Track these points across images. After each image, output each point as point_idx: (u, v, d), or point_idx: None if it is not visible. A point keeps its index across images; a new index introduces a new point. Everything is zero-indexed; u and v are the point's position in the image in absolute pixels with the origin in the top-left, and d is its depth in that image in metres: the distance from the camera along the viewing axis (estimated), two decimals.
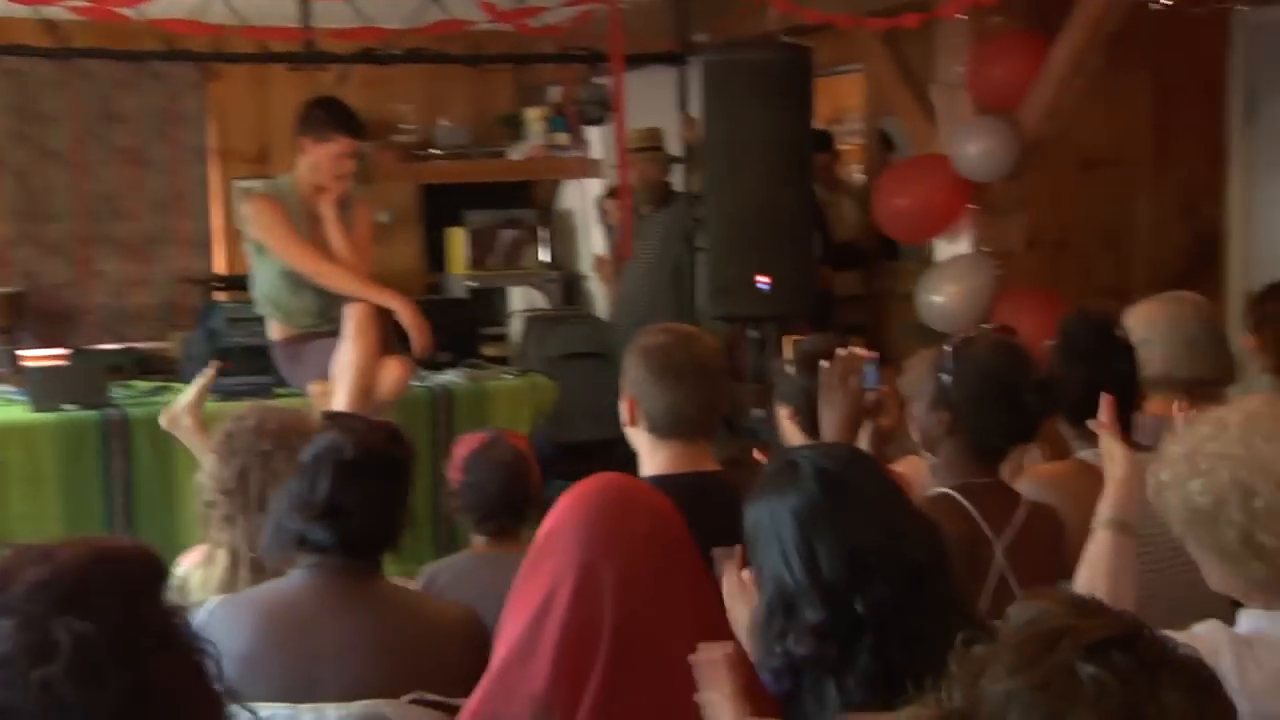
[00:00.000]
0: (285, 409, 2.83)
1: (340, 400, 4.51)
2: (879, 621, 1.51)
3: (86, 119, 7.01)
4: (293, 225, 4.79)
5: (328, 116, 4.73)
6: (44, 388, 5.28)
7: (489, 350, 6.66)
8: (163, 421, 4.06)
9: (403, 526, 2.18)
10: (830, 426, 2.61)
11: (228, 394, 5.41)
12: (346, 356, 4.66)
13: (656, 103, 6.28)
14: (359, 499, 2.12)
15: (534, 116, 7.41)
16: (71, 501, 5.17)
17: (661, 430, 2.34)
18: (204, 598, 2.71)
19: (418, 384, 5.33)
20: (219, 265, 7.25)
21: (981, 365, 2.57)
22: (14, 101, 6.89)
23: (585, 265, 7.59)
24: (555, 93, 7.54)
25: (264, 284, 5.05)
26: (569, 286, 7.63)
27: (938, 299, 4.94)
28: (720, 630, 1.61)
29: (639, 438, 2.39)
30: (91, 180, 7.05)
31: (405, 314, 4.80)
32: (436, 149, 7.33)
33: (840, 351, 2.65)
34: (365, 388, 4.67)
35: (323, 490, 2.10)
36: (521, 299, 7.59)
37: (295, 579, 2.15)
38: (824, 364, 2.65)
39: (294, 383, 5.05)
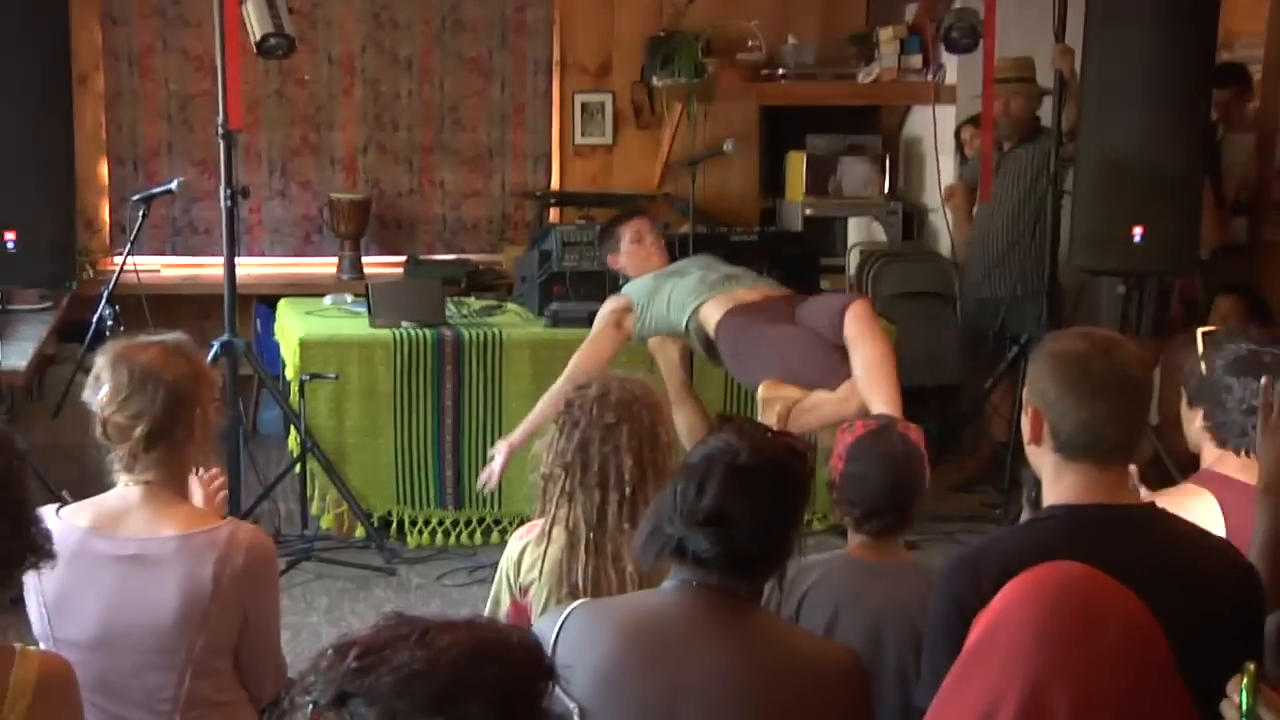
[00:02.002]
0: (630, 378, 2.61)
1: (888, 400, 4.06)
2: None
3: (435, 27, 7.01)
4: (596, 341, 4.77)
5: (608, 229, 5.04)
6: (384, 304, 5.30)
7: (825, 284, 6.32)
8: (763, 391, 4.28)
9: (791, 548, 1.92)
10: (1272, 458, 2.19)
11: (559, 320, 5.33)
12: (871, 353, 4.14)
13: (1028, 29, 5.75)
14: (749, 510, 1.86)
15: (887, 37, 6.94)
16: (403, 418, 5.20)
17: (1072, 451, 2.00)
18: (533, 578, 2.55)
19: None
20: (556, 180, 7.16)
21: None
22: (369, 9, 6.94)
23: (930, 198, 7.12)
24: (912, 11, 7.06)
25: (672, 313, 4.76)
26: (910, 220, 7.19)
27: None
28: None
29: (1043, 458, 2.05)
30: (436, 89, 7.06)
31: None
32: (782, 68, 6.98)
33: None
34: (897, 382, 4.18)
35: (711, 495, 1.85)
36: (859, 231, 7.21)
37: (666, 595, 1.92)
38: (1265, 381, 2.22)
39: (740, 374, 4.66)
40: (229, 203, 5.01)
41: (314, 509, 5.13)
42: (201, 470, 2.47)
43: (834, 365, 4.26)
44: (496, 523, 5.28)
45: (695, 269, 4.73)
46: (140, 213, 4.88)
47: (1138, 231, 5.07)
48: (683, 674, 1.79)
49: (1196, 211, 5.23)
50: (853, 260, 6.84)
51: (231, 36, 4.87)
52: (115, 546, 2.28)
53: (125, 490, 2.33)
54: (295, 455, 5.11)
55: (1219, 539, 2.11)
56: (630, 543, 2.47)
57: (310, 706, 1.07)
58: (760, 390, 4.34)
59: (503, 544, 5.11)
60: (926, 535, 5.12)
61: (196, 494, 2.49)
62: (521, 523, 5.16)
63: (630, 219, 4.98)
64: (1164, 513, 2.02)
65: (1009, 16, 5.71)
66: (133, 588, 2.26)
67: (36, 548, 1.84)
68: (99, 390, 2.32)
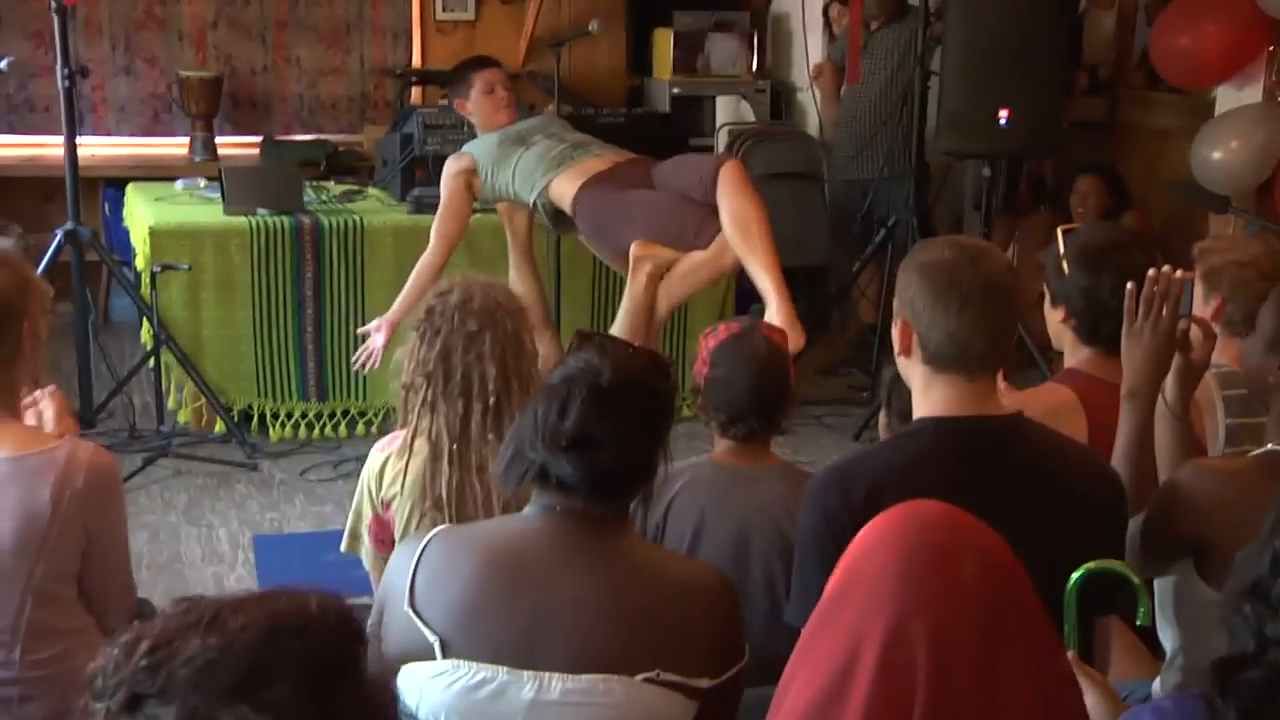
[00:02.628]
0: (493, 283, 2.52)
1: (767, 261, 3.99)
2: None
3: None
4: (452, 206, 4.62)
5: (460, 72, 4.83)
6: (239, 190, 5.09)
7: None
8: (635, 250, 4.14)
9: (656, 467, 1.85)
10: (1135, 363, 2.20)
11: (422, 206, 5.18)
12: (746, 212, 4.01)
13: None
14: (614, 432, 1.77)
15: None
16: (262, 309, 5.03)
17: (941, 362, 1.97)
18: (395, 492, 2.47)
19: None
20: (417, 58, 6.92)
21: None
22: None
23: (798, 76, 7.05)
24: None
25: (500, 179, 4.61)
26: (778, 99, 7.12)
27: (1216, 155, 4.34)
28: (1064, 702, 1.26)
29: (912, 369, 2.02)
30: None
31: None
32: None
33: (1151, 273, 2.21)
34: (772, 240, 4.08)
35: (573, 418, 1.76)
36: (727, 110, 7.11)
37: (529, 521, 1.83)
38: (1130, 287, 2.22)
39: (606, 248, 4.46)
40: (66, 83, 4.74)
41: (170, 403, 4.97)
42: (38, 392, 2.34)
43: (703, 221, 4.14)
44: (361, 414, 5.18)
45: (540, 136, 4.59)
46: None
47: (1003, 114, 5.05)
48: (546, 602, 1.74)
49: (1061, 93, 5.24)
50: (721, 140, 6.75)
51: None
52: None
53: None
54: (149, 348, 4.92)
55: (1082, 448, 2.12)
56: (495, 454, 2.41)
57: (103, 712, 0.98)
58: (632, 250, 4.19)
59: (368, 436, 5.15)
60: (795, 420, 5.15)
61: (47, 413, 2.35)
62: (386, 416, 5.18)
63: (484, 67, 4.76)
64: (1030, 423, 2.01)
65: None
66: None
67: None
68: None
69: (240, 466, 4.80)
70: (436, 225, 4.61)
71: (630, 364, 1.81)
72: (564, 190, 4.42)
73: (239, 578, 4.00)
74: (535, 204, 4.52)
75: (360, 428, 5.16)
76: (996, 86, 5.06)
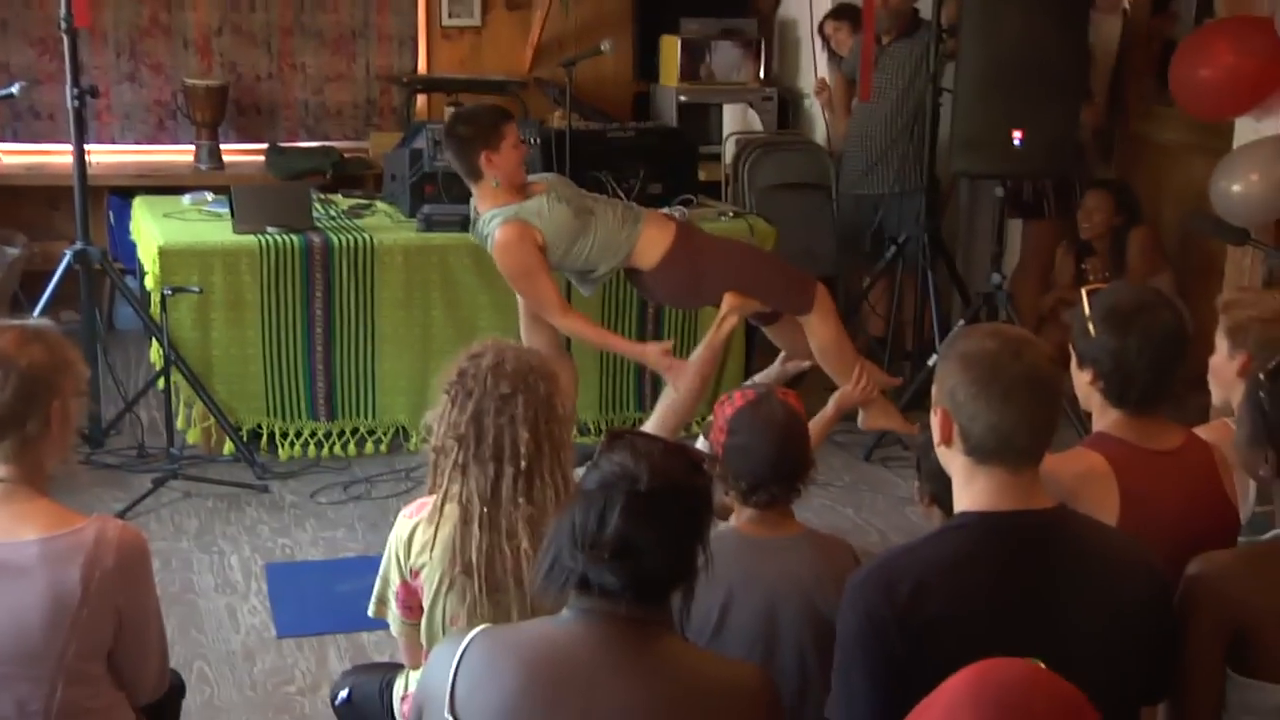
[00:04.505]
0: (525, 348, 2.50)
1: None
2: None
3: None
4: (547, 273, 4.42)
5: (490, 123, 4.40)
6: (249, 208, 5.06)
7: (702, 175, 6.20)
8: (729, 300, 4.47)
9: (697, 566, 1.82)
10: None
11: (433, 224, 5.16)
12: (841, 339, 4.62)
13: None
14: (655, 538, 1.74)
15: None
16: (271, 328, 5.01)
17: (983, 455, 1.95)
18: (424, 560, 2.45)
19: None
20: (423, 64, 6.88)
21: None
22: None
23: (805, 83, 7.02)
24: None
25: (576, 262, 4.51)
26: (785, 106, 7.09)
27: (1235, 187, 4.31)
28: None
29: (952, 460, 2.00)
30: None
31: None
32: None
33: None
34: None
35: (613, 526, 1.73)
36: (734, 118, 7.08)
37: (570, 624, 1.80)
38: None
39: (691, 295, 4.64)
40: (76, 103, 4.71)
41: (180, 423, 4.94)
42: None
43: (804, 285, 4.51)
44: (370, 433, 5.17)
45: (600, 203, 4.53)
46: None
47: (1017, 135, 5.03)
48: (590, 710, 1.72)
49: (1076, 113, 5.20)
50: (729, 149, 6.72)
51: None
52: None
53: None
54: (158, 369, 4.89)
55: (1127, 540, 2.09)
56: (525, 519, 2.40)
57: None
58: (726, 299, 4.45)
59: (376, 455, 5.14)
60: None
61: None
62: (395, 434, 5.16)
63: (510, 119, 4.49)
64: (1074, 516, 1.99)
65: None
66: None
67: None
68: None
69: (250, 488, 4.78)
70: (549, 297, 4.41)
71: (666, 465, 1.79)
72: (656, 240, 4.47)
73: (252, 609, 3.99)
74: (597, 269, 4.48)
75: (369, 446, 5.14)
76: (1010, 107, 5.04)
